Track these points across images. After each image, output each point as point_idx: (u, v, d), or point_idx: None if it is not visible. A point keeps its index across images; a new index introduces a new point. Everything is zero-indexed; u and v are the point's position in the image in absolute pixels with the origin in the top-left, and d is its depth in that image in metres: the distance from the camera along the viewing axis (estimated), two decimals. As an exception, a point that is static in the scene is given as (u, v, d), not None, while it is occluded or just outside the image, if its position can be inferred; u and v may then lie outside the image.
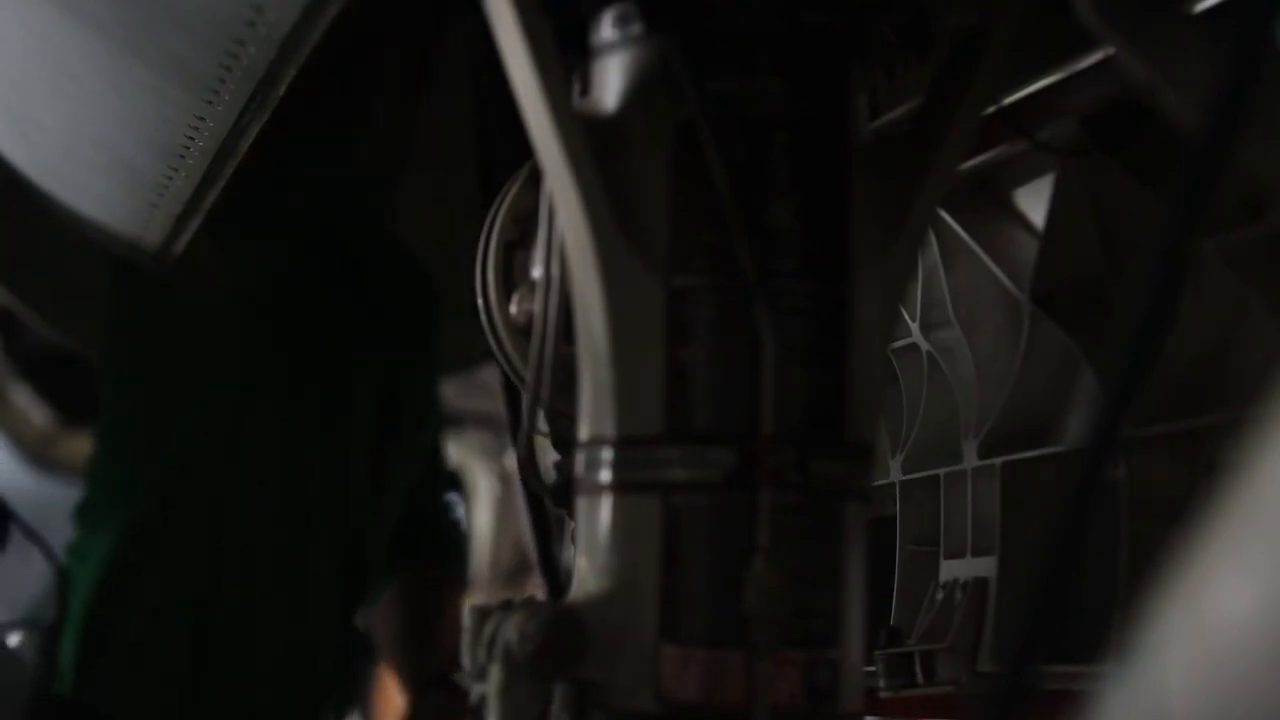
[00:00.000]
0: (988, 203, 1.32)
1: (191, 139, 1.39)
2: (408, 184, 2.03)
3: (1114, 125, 1.16)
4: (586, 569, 0.93)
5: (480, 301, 1.09)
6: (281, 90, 1.24)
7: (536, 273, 1.03)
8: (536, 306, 1.01)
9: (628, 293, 0.91)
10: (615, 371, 0.91)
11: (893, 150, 0.99)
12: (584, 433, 0.94)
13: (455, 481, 2.44)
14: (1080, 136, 1.17)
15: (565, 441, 1.00)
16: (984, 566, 1.28)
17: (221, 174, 1.47)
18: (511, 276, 1.08)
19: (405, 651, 2.25)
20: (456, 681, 2.32)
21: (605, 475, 0.92)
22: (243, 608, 1.96)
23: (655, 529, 0.90)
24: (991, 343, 1.32)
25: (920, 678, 1.28)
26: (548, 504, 1.02)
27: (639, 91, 0.94)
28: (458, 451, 4.01)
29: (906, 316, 1.37)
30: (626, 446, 0.92)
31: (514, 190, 1.09)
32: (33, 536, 1.82)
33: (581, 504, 0.94)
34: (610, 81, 0.96)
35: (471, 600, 2.87)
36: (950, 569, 1.32)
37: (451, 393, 3.48)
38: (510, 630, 0.90)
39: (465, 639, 0.94)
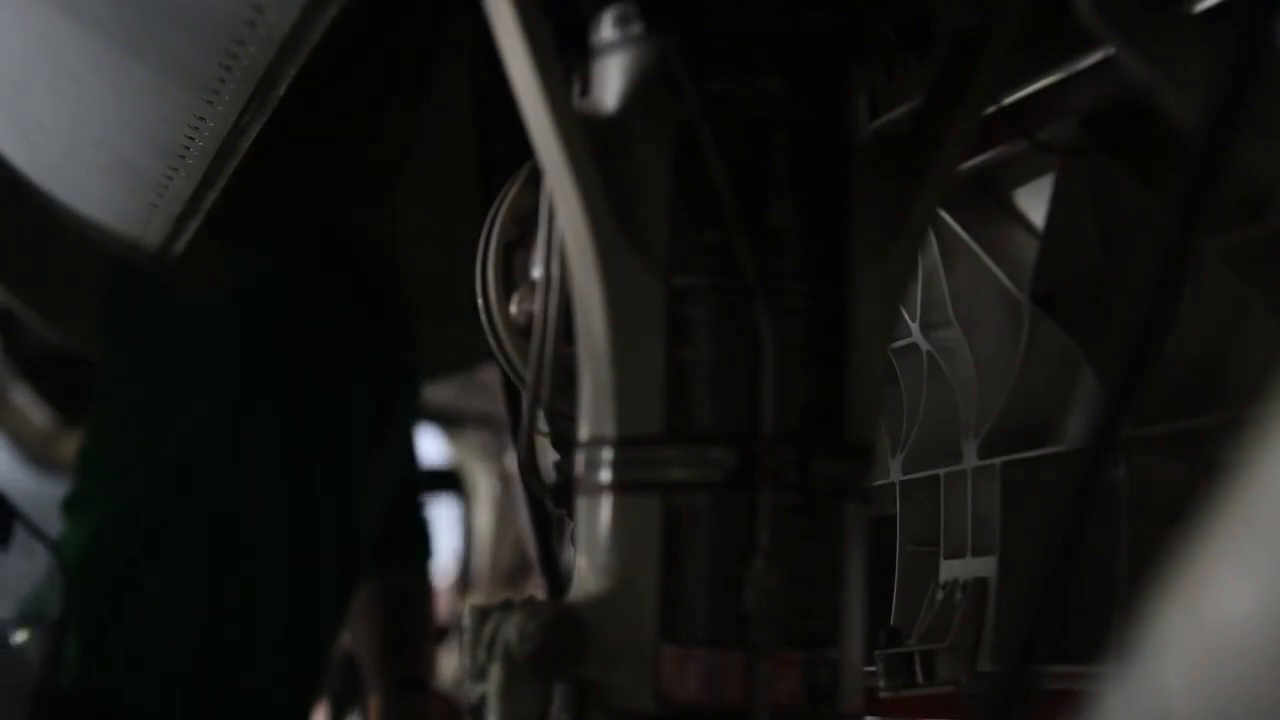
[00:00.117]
0: (988, 203, 1.32)
1: (191, 139, 1.39)
2: (407, 184, 2.03)
3: (1114, 125, 1.16)
4: (586, 569, 0.93)
5: (480, 301, 1.09)
6: (281, 90, 1.24)
7: (536, 273, 1.03)
8: (536, 306, 1.01)
9: (628, 293, 0.91)
10: (615, 371, 0.91)
11: (893, 150, 0.99)
12: (584, 433, 0.94)
13: (445, 482, 2.45)
14: (1080, 136, 1.17)
15: (565, 441, 1.00)
16: (984, 566, 1.28)
17: (221, 174, 1.47)
18: (511, 276, 1.08)
19: (378, 653, 2.26)
20: (429, 683, 2.34)
21: (605, 475, 0.92)
22: (243, 606, 1.97)
23: (655, 529, 0.90)
24: (991, 343, 1.32)
25: (920, 678, 1.28)
26: (548, 504, 1.02)
27: (639, 91, 0.94)
28: (458, 451, 4.01)
29: (906, 316, 1.37)
30: (626, 446, 0.92)
31: (514, 190, 1.09)
32: (37, 533, 1.82)
33: (581, 504, 0.94)
34: (610, 81, 0.96)
35: (471, 600, 2.88)
36: (950, 569, 1.32)
37: (451, 393, 3.48)
38: (510, 630, 0.90)
39: (465, 639, 0.94)
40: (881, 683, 1.29)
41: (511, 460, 2.89)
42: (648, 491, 0.91)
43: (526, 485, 1.04)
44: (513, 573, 3.69)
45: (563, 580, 1.63)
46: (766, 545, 0.89)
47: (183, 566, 1.95)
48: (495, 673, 0.91)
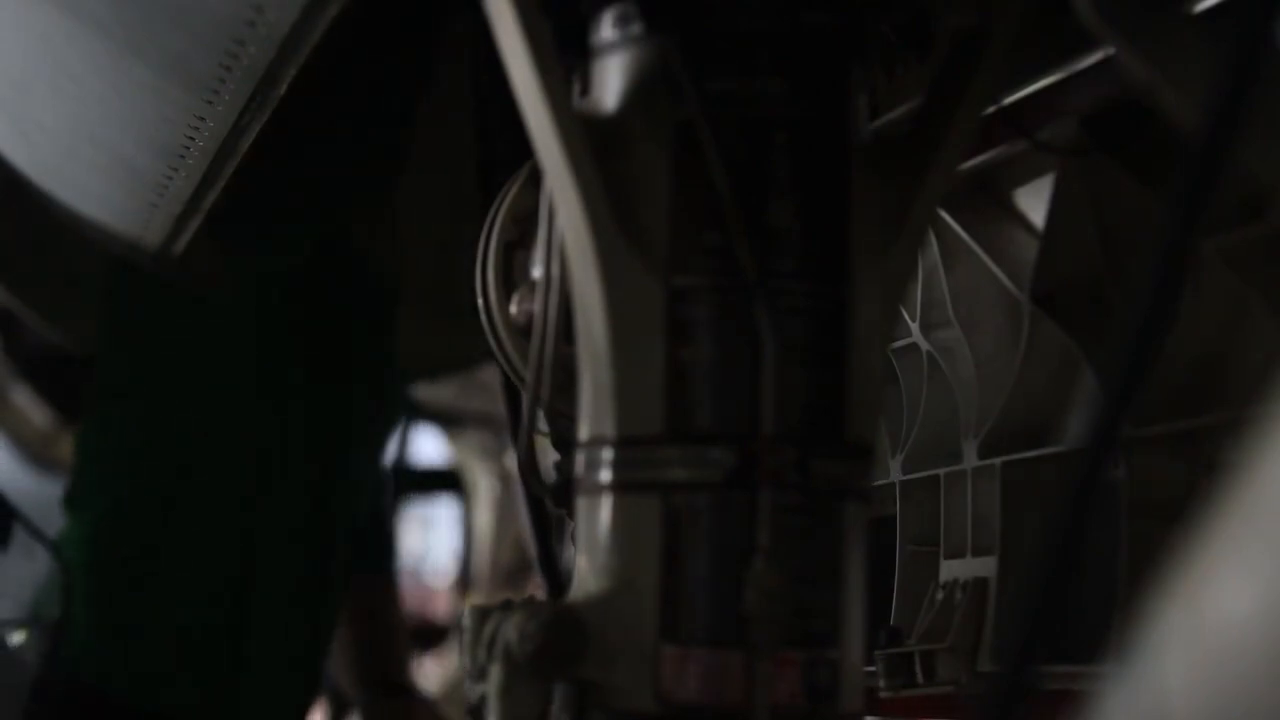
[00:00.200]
0: (988, 203, 1.32)
1: (191, 139, 1.39)
2: (407, 183, 2.03)
3: (1114, 125, 1.16)
4: (586, 569, 0.93)
5: (480, 301, 1.09)
6: (282, 90, 1.24)
7: (536, 273, 1.03)
8: (536, 306, 1.01)
9: (628, 293, 0.91)
10: (615, 371, 0.91)
11: (893, 150, 0.99)
12: (584, 433, 0.94)
13: (445, 482, 2.46)
14: (1080, 136, 1.17)
15: (565, 441, 1.00)
16: (984, 566, 1.28)
17: (221, 174, 1.47)
18: (511, 276, 1.08)
19: (355, 659, 2.26)
20: (407, 685, 2.35)
21: (605, 475, 0.92)
22: (244, 603, 1.97)
23: (655, 529, 0.90)
24: (991, 343, 1.32)
25: (920, 678, 1.28)
26: (548, 504, 1.02)
27: (639, 91, 0.94)
28: (458, 451, 4.01)
29: (906, 316, 1.37)
30: (626, 446, 0.92)
31: (514, 190, 1.09)
32: (36, 534, 1.82)
33: (581, 504, 0.94)
34: (610, 81, 0.96)
35: (471, 600, 2.88)
36: (950, 569, 1.32)
37: (451, 393, 3.49)
38: (510, 630, 0.90)
39: (465, 639, 0.94)
40: (881, 683, 1.29)
41: (511, 460, 2.89)
42: (648, 491, 0.91)
43: (526, 485, 1.04)
44: (513, 573, 3.69)
45: (563, 580, 1.63)
46: (766, 545, 0.89)
47: (183, 565, 1.95)
48: (495, 673, 0.91)
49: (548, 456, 1.04)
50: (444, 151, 1.87)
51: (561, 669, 0.90)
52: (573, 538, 0.97)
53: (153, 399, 1.98)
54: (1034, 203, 1.27)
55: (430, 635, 3.93)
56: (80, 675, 1.90)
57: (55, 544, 1.88)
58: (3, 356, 2.74)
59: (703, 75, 0.92)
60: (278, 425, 1.99)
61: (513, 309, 1.07)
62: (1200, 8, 0.92)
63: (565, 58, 0.95)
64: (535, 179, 1.04)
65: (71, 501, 2.01)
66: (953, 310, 1.34)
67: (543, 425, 1.05)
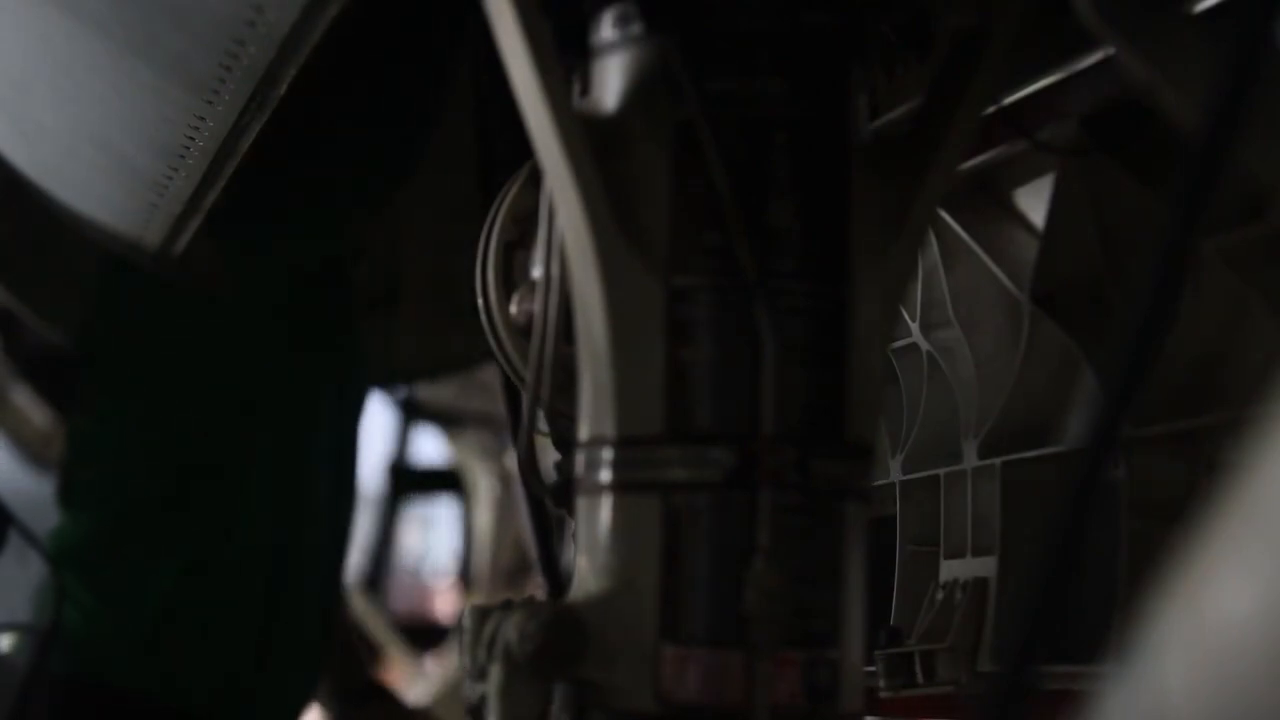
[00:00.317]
0: (988, 203, 1.32)
1: (191, 139, 1.39)
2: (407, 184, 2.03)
3: (1114, 125, 1.15)
4: (586, 569, 0.93)
5: (480, 301, 1.09)
6: (282, 90, 1.24)
7: (536, 273, 1.03)
8: (536, 306, 1.01)
9: (628, 293, 0.91)
10: (615, 371, 0.91)
11: (893, 150, 0.99)
12: (584, 433, 0.94)
13: (445, 482, 2.45)
14: (1080, 136, 1.17)
15: (565, 441, 1.00)
16: (984, 566, 1.28)
17: (221, 174, 1.47)
18: (511, 276, 1.08)
19: (334, 665, 2.26)
20: (375, 688, 2.35)
21: (605, 475, 0.92)
22: (244, 602, 1.97)
23: (655, 529, 0.90)
24: (991, 343, 1.32)
25: (920, 678, 1.28)
26: (548, 504, 1.02)
27: (639, 91, 0.94)
28: (458, 451, 4.02)
29: (906, 316, 1.37)
30: (626, 446, 0.92)
31: (514, 190, 1.09)
32: (30, 539, 1.82)
33: (581, 504, 0.94)
34: (610, 81, 0.96)
35: (471, 600, 2.88)
36: (950, 569, 1.32)
37: (451, 393, 3.49)
38: (510, 630, 0.90)
39: (465, 639, 0.94)
40: (881, 683, 1.29)
41: (511, 460, 2.89)
42: (648, 491, 0.91)
43: (526, 485, 1.04)
44: (513, 573, 3.69)
45: (563, 580, 1.63)
46: (766, 545, 0.89)
47: (184, 563, 1.95)
48: (495, 673, 0.91)
49: (548, 456, 1.04)
50: (444, 151, 1.87)
51: (561, 669, 0.90)
52: (573, 538, 0.97)
53: (152, 398, 1.98)
54: (1034, 203, 1.27)
55: (430, 635, 3.93)
56: (83, 675, 1.90)
57: (48, 546, 1.87)
58: (3, 356, 2.74)
59: (703, 75, 0.92)
60: (279, 423, 1.99)
61: (513, 309, 1.07)
62: (1200, 8, 0.92)
63: (565, 58, 0.95)
64: (535, 179, 1.04)
65: (69, 500, 2.00)
66: (953, 310, 1.34)
67: (543, 425, 1.05)
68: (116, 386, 2.01)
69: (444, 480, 4.24)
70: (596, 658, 0.90)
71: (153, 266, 1.85)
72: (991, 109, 1.09)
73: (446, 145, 1.82)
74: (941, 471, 1.34)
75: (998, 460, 1.27)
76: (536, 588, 1.93)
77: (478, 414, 3.63)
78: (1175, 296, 0.64)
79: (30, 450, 2.98)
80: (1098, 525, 1.14)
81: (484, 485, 3.89)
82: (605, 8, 0.96)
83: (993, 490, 1.28)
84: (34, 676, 1.80)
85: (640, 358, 0.91)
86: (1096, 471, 0.63)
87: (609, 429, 0.92)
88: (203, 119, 1.34)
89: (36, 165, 1.83)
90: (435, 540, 5.33)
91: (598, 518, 0.93)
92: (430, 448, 4.40)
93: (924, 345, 1.38)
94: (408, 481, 4.34)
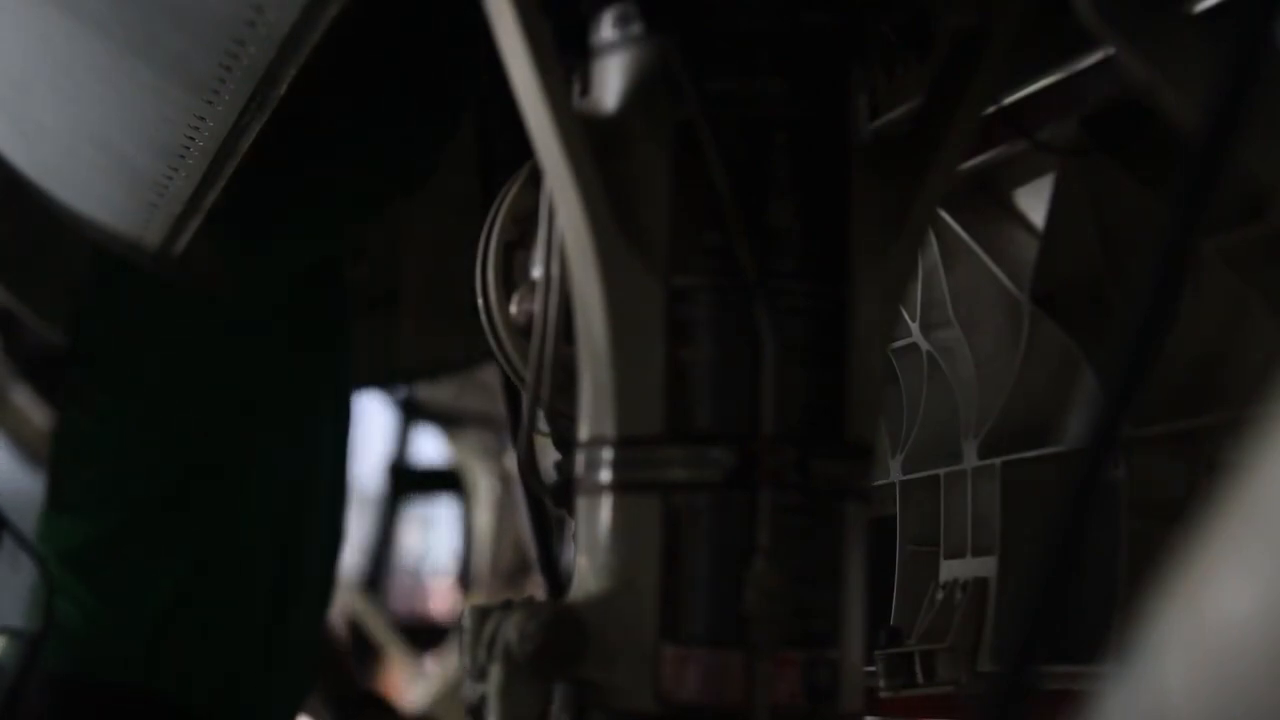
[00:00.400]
0: (988, 203, 1.32)
1: (191, 139, 1.39)
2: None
3: (1114, 125, 1.16)
4: (586, 569, 0.93)
5: (480, 301, 1.09)
6: (282, 90, 1.24)
7: (536, 273, 1.03)
8: (536, 306, 1.01)
9: (628, 293, 0.91)
10: (615, 371, 0.91)
11: (893, 150, 0.99)
12: (584, 433, 0.94)
13: (445, 482, 2.45)
14: (1080, 136, 1.17)
15: (565, 441, 1.00)
16: (984, 566, 1.28)
17: (221, 174, 1.47)
18: (511, 276, 1.08)
19: (327, 673, 2.26)
20: (367, 695, 2.35)
21: (605, 475, 0.92)
22: (244, 601, 1.97)
23: (655, 529, 0.90)
24: (991, 343, 1.32)
25: (920, 678, 1.28)
26: (548, 504, 1.02)
27: (639, 91, 0.94)
28: (458, 451, 4.02)
29: (906, 316, 1.37)
30: (626, 446, 0.92)
31: (514, 190, 1.09)
32: (23, 543, 1.82)
33: (581, 504, 0.94)
34: (610, 81, 0.96)
35: (471, 600, 2.88)
36: (950, 569, 1.32)
37: (451, 393, 3.49)
38: (510, 630, 0.90)
39: (465, 639, 0.94)
40: (881, 683, 1.29)
41: (511, 460, 2.89)
42: (648, 491, 0.91)
43: (526, 485, 1.04)
44: (513, 573, 3.69)
45: (563, 580, 1.63)
46: (766, 545, 0.89)
47: (185, 563, 1.95)
48: (495, 673, 0.91)
49: (548, 456, 1.04)
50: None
51: (561, 669, 0.90)
52: (573, 538, 0.97)
53: (153, 399, 1.98)
54: (1034, 203, 1.27)
55: (430, 635, 3.94)
56: (84, 674, 1.90)
57: (47, 547, 1.87)
58: (3, 356, 2.74)
59: (703, 75, 0.92)
60: (277, 422, 1.99)
61: (513, 309, 1.07)
62: (1200, 8, 0.92)
63: (565, 58, 0.95)
64: (535, 179, 1.04)
65: (69, 500, 2.00)
66: (953, 310, 1.34)
67: (543, 425, 1.05)
68: (116, 386, 2.01)
69: (444, 480, 4.24)
70: (596, 658, 0.90)
71: (153, 266, 1.84)
72: (991, 109, 1.09)
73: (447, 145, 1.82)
74: (941, 471, 1.34)
75: (998, 460, 1.27)
76: (536, 588, 1.93)
77: (478, 414, 3.63)
78: (1175, 296, 0.64)
79: (30, 450, 2.98)
80: (1098, 525, 1.14)
81: (484, 485, 3.89)
82: (605, 8, 0.96)
83: (993, 490, 1.28)
84: (22, 680, 1.79)
85: (640, 358, 0.91)
86: (1096, 471, 0.63)
87: (609, 429, 0.92)
88: (203, 119, 1.34)
89: (36, 165, 1.83)
90: (435, 540, 5.33)
91: (598, 518, 0.93)
92: (430, 448, 4.40)
93: (924, 345, 1.38)
94: (408, 481, 4.35)
